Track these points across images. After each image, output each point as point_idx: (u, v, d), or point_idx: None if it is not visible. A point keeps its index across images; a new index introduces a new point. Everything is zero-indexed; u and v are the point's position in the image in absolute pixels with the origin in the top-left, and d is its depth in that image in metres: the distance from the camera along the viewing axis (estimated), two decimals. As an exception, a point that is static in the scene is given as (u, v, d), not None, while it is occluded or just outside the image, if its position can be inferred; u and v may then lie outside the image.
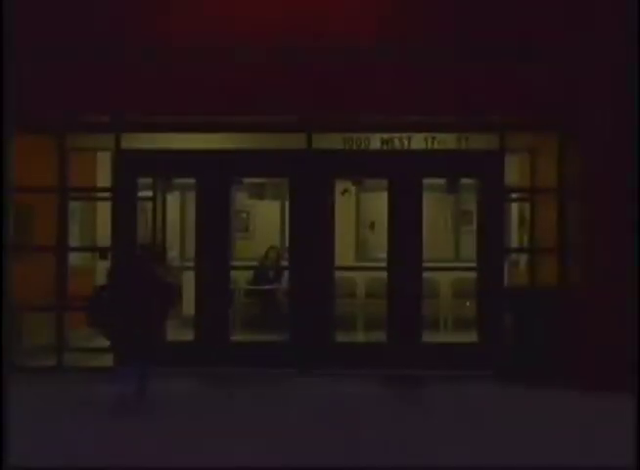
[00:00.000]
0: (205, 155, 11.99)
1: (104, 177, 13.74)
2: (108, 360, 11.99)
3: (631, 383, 10.04)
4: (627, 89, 10.49)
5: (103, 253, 14.26)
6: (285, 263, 14.18)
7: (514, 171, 13.11)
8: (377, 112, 11.48)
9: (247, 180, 14.85)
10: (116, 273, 10.16)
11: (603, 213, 10.87)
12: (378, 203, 15.22)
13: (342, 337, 12.69)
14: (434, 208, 15.52)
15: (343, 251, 14.13)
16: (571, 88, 10.92)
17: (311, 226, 11.91)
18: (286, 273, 13.48)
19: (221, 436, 8.42)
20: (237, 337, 12.93)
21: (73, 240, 13.05)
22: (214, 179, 12.03)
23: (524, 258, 13.41)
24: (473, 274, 12.51)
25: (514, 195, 13.02)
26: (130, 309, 9.48)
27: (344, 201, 15.21)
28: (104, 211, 14.19)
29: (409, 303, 11.89)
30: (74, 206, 13.11)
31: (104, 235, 14.22)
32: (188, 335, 12.36)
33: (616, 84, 10.70)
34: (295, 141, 11.92)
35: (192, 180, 12.50)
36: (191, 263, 12.66)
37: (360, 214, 16.41)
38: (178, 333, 14.13)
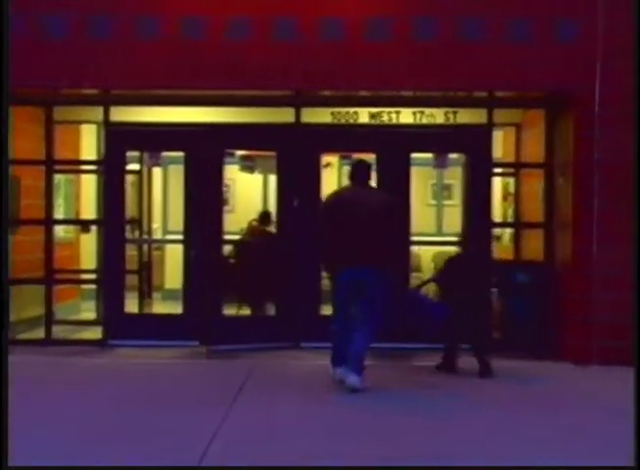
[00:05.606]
0: (194, 128, 11.94)
1: (88, 150, 13.73)
2: (96, 333, 12.06)
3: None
4: (619, 64, 10.58)
5: (85, 226, 14.27)
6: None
7: (499, 146, 13.19)
8: (365, 87, 11.54)
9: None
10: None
11: (590, 190, 10.99)
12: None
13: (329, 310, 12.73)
14: (419, 181, 15.53)
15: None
16: (561, 64, 10.98)
17: (298, 200, 11.94)
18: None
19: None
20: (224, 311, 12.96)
21: (58, 213, 12.98)
22: (204, 153, 11.98)
23: (507, 234, 13.54)
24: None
25: (500, 170, 13.10)
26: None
27: (327, 175, 15.23)
28: (88, 184, 14.19)
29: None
30: (59, 179, 13.03)
31: (87, 208, 14.25)
32: (177, 308, 12.37)
33: (606, 59, 10.79)
34: (283, 115, 11.95)
35: (179, 154, 12.47)
36: (179, 237, 12.61)
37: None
38: (165, 306, 14.24)
